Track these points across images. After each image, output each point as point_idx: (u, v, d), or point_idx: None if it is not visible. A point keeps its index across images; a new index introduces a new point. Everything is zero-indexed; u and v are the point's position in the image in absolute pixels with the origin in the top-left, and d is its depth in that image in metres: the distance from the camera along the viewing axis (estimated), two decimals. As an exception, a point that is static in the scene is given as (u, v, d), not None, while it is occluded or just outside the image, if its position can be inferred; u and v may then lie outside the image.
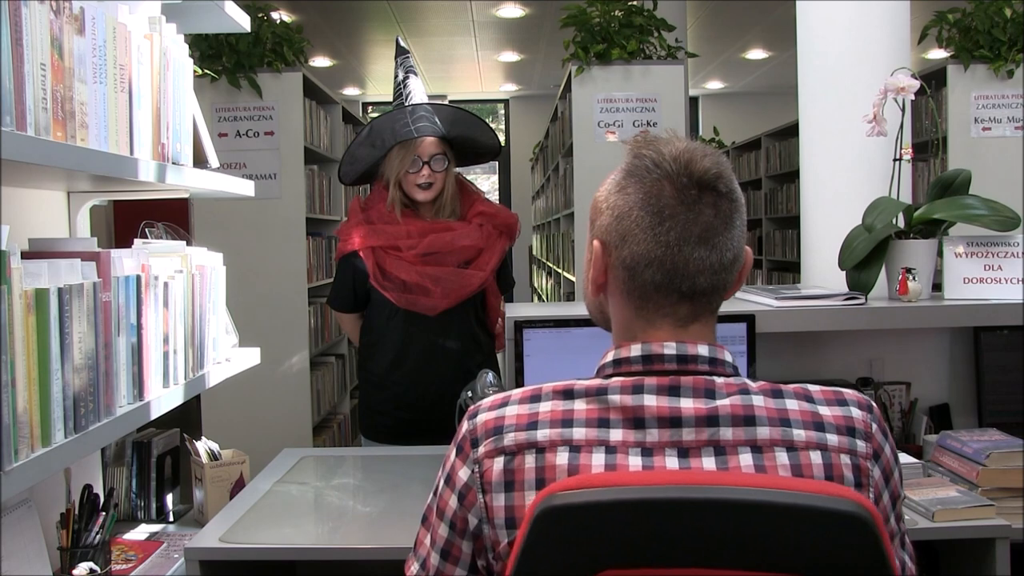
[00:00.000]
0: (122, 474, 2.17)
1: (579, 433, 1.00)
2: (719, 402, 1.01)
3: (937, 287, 2.38)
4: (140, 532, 2.10)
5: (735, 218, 1.06)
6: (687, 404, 1.00)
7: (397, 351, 2.54)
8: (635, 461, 0.98)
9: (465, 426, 1.08)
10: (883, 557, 0.90)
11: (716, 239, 1.04)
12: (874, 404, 1.08)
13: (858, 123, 2.45)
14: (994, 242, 2.27)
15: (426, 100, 2.57)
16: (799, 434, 1.00)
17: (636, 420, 1.00)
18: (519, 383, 1.98)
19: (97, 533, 1.73)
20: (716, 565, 0.90)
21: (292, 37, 4.23)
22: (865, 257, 2.28)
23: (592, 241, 1.10)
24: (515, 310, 2.23)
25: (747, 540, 0.90)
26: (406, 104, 2.54)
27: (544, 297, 8.70)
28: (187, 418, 2.34)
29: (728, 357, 1.07)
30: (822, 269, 2.79)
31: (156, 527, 2.14)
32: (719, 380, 1.03)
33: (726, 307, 2.27)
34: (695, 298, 1.05)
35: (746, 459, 0.98)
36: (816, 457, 0.99)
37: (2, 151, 1.07)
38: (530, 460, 1.01)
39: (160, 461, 2.19)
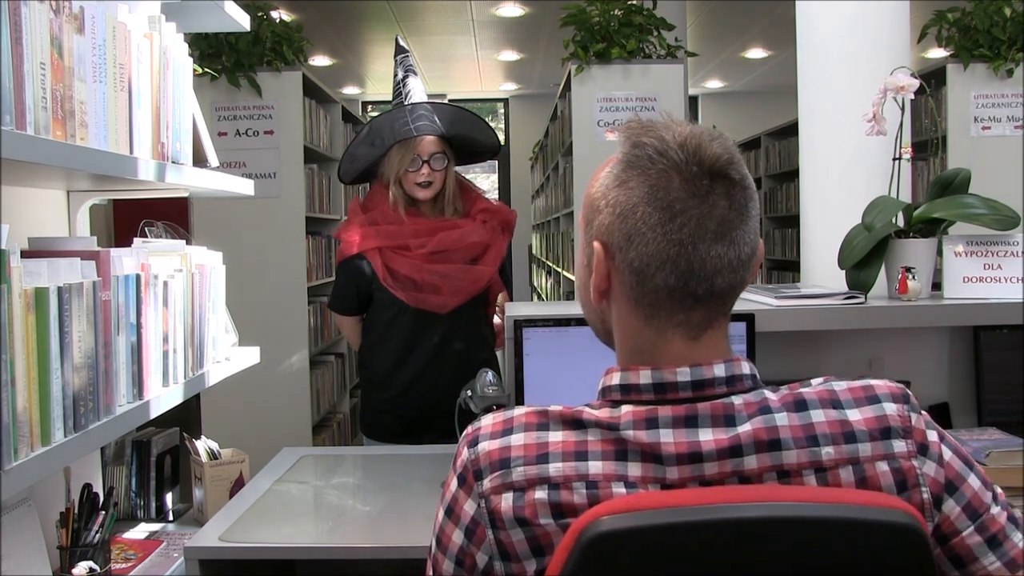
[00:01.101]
0: (122, 473, 2.17)
1: (595, 467, 0.92)
2: (740, 429, 0.92)
3: (937, 286, 2.38)
4: (140, 531, 2.10)
5: (750, 207, 0.96)
6: (706, 436, 0.92)
7: (403, 350, 2.55)
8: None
9: (465, 454, 0.98)
10: (931, 569, 0.88)
11: (733, 233, 0.93)
12: (909, 392, 0.99)
13: (858, 122, 2.45)
14: (994, 241, 2.27)
15: (425, 99, 2.57)
16: (827, 452, 0.92)
17: (654, 456, 0.92)
18: (519, 383, 1.98)
19: (97, 532, 1.73)
20: None
21: (292, 36, 4.23)
22: (865, 256, 2.28)
23: (590, 243, 1.00)
24: (515, 309, 2.23)
25: (804, 558, 0.88)
26: (405, 103, 2.54)
27: (544, 296, 8.70)
28: (187, 417, 2.34)
29: (746, 369, 0.97)
30: (822, 268, 2.79)
31: (156, 526, 2.14)
32: (738, 401, 0.94)
33: (726, 306, 2.27)
34: (711, 302, 0.95)
35: (796, 485, 0.92)
36: (847, 474, 0.92)
37: (2, 150, 1.07)
38: (542, 494, 0.92)
39: (160, 460, 2.19)
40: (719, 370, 0.95)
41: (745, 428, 0.92)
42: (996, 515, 0.96)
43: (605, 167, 1.01)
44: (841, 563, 0.88)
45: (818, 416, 0.93)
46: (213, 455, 2.16)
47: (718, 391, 0.95)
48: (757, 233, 0.98)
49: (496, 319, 2.67)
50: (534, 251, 10.28)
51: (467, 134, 2.59)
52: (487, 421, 1.00)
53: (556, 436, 0.95)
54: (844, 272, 2.36)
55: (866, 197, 2.42)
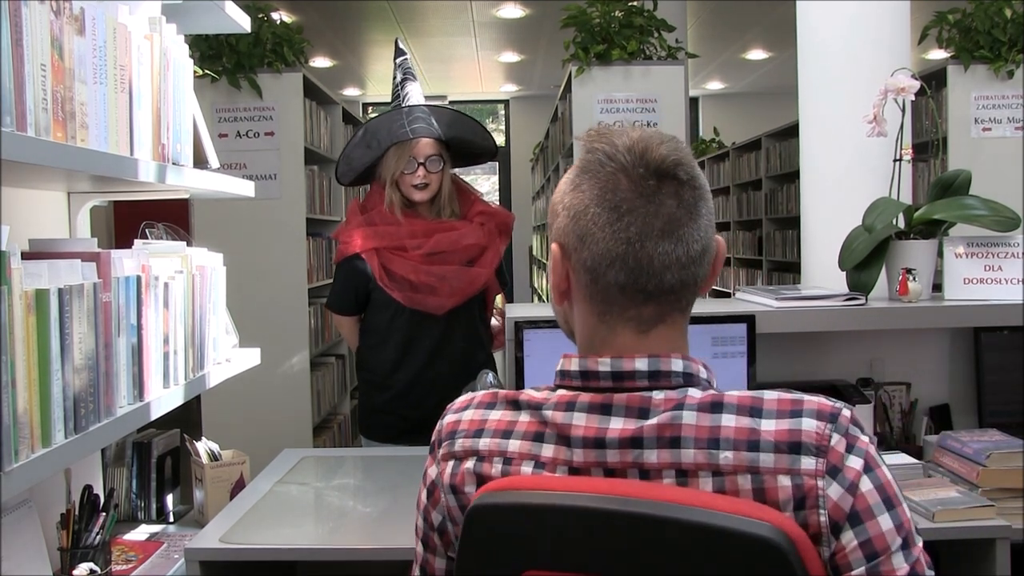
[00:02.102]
0: (122, 474, 2.17)
1: (514, 446, 1.01)
2: (646, 422, 0.94)
3: (937, 287, 2.38)
4: (140, 532, 2.10)
5: (700, 206, 0.98)
6: (615, 424, 0.95)
7: (401, 351, 2.55)
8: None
9: (438, 425, 1.10)
10: None
11: (681, 231, 0.96)
12: (848, 412, 0.94)
13: (858, 123, 2.45)
14: (994, 242, 2.27)
15: (423, 102, 2.58)
16: (726, 456, 0.91)
17: (565, 438, 0.98)
18: (519, 383, 1.99)
19: (97, 534, 1.73)
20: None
21: (292, 37, 4.23)
22: (865, 257, 2.28)
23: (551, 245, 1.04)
24: (515, 310, 2.23)
25: (660, 556, 0.89)
26: (403, 105, 2.55)
27: (544, 297, 8.70)
28: (187, 418, 2.34)
29: (677, 367, 0.98)
30: (822, 269, 2.80)
31: (156, 527, 2.14)
32: (657, 396, 0.96)
33: (726, 307, 2.28)
34: (662, 297, 0.98)
35: (671, 484, 0.93)
36: (745, 482, 0.90)
37: (2, 151, 1.07)
38: (470, 464, 1.03)
39: (160, 461, 2.19)
40: (640, 364, 0.98)
41: (651, 422, 0.94)
42: (896, 566, 0.90)
43: (567, 174, 1.05)
44: (695, 569, 0.87)
45: (728, 420, 0.93)
46: (214, 456, 2.16)
47: (638, 384, 0.97)
48: (711, 231, 1.00)
49: (494, 320, 2.68)
50: (535, 252, 10.28)
51: (464, 137, 2.59)
52: (461, 398, 1.10)
53: (496, 415, 1.04)
54: (845, 273, 2.36)
55: (867, 198, 2.42)
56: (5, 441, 1.10)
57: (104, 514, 1.75)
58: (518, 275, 11.82)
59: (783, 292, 2.32)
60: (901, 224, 2.36)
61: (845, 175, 2.78)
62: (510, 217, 2.67)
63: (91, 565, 1.68)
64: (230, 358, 1.93)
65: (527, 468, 0.99)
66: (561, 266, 1.03)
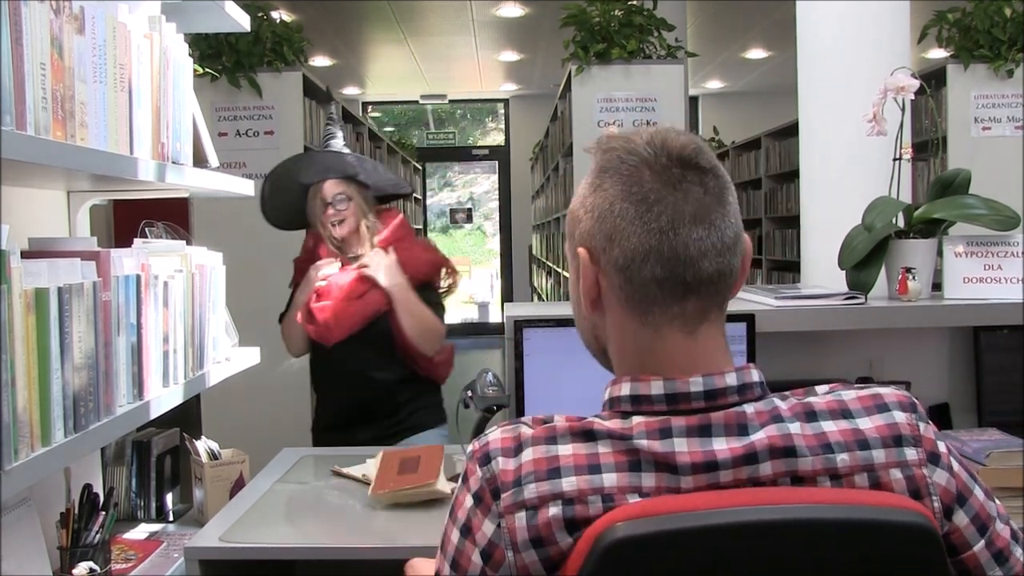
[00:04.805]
0: (122, 473, 2.17)
1: (609, 480, 0.90)
2: (754, 437, 0.92)
3: (937, 287, 2.38)
4: (140, 531, 2.10)
5: (726, 194, 0.96)
6: (720, 445, 0.91)
7: (321, 374, 2.79)
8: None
9: (479, 471, 0.95)
10: (945, 569, 0.89)
11: (712, 216, 0.94)
12: (916, 401, 0.98)
13: (858, 123, 2.45)
14: (994, 242, 2.27)
15: (333, 149, 2.68)
16: (843, 459, 0.92)
17: (669, 466, 0.91)
18: (519, 383, 1.98)
19: (97, 532, 1.73)
20: None
21: (292, 37, 4.24)
22: (865, 257, 2.28)
23: (576, 252, 1.00)
24: (515, 310, 2.23)
25: (817, 559, 0.88)
26: (315, 149, 2.66)
27: (544, 297, 8.70)
28: (187, 417, 2.34)
29: (756, 377, 0.97)
30: (822, 269, 2.80)
31: (156, 526, 2.14)
32: (750, 411, 0.93)
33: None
34: (702, 289, 0.95)
35: (823, 488, 0.92)
36: (862, 480, 0.92)
37: (2, 151, 1.07)
38: (555, 510, 0.90)
39: (160, 460, 2.19)
40: (731, 379, 0.95)
41: (759, 436, 0.92)
42: (1000, 530, 0.97)
43: (584, 180, 1.02)
44: (857, 565, 0.87)
45: (829, 426, 0.93)
46: (213, 455, 2.16)
47: (730, 400, 0.94)
48: (739, 221, 0.97)
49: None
50: (534, 251, 10.28)
51: (367, 181, 2.66)
52: (495, 436, 0.97)
53: (566, 449, 0.93)
54: (844, 272, 2.36)
55: (866, 197, 2.42)
56: (5, 440, 1.10)
57: (104, 513, 1.75)
58: (518, 275, 11.82)
59: (783, 291, 2.32)
60: (901, 223, 2.36)
61: (845, 174, 2.78)
62: (420, 260, 2.65)
63: (91, 564, 1.68)
64: (230, 357, 1.93)
65: (633, 501, 0.90)
66: (591, 271, 0.98)
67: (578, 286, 1.01)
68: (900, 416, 0.95)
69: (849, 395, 0.97)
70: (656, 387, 0.95)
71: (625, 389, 0.97)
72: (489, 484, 0.93)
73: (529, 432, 0.95)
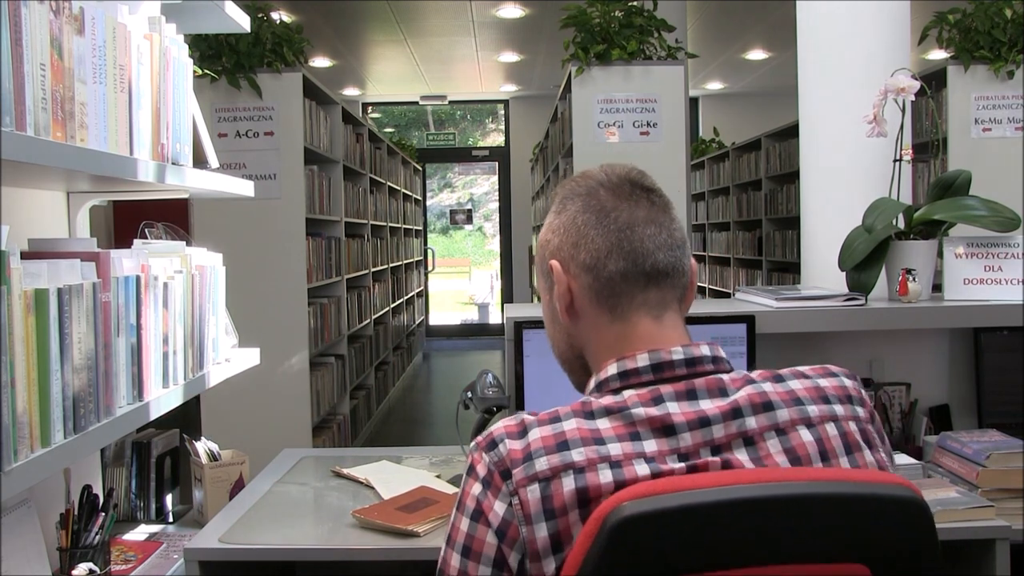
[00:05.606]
0: (122, 474, 2.17)
1: (615, 449, 0.97)
2: (735, 396, 1.02)
3: (937, 288, 2.38)
4: (140, 532, 2.10)
5: (670, 209, 1.12)
6: (708, 405, 1.02)
7: None
8: (678, 466, 0.97)
9: (486, 458, 0.99)
10: (935, 540, 0.95)
11: (661, 219, 1.10)
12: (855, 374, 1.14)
13: (858, 124, 2.45)
14: (994, 243, 2.27)
15: None
16: (812, 409, 1.03)
17: (666, 429, 0.99)
18: (519, 383, 1.98)
19: (97, 533, 1.73)
20: (784, 560, 0.92)
21: (292, 37, 4.24)
22: (865, 258, 2.28)
23: (547, 268, 1.13)
24: (515, 311, 2.23)
25: (815, 533, 0.93)
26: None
27: (544, 297, 8.67)
28: (187, 418, 2.34)
29: (723, 353, 1.10)
30: (822, 270, 2.79)
31: (156, 527, 2.14)
32: (726, 378, 1.05)
33: (726, 308, 2.28)
34: (660, 280, 1.09)
35: (774, 444, 1.01)
36: (831, 428, 1.03)
37: (2, 151, 1.07)
38: (568, 482, 0.95)
39: (160, 461, 2.19)
40: (705, 350, 1.07)
41: (740, 395, 1.03)
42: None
43: (549, 213, 1.17)
44: (855, 535, 0.93)
45: (795, 384, 1.06)
46: (213, 456, 2.16)
47: (708, 368, 1.06)
48: (684, 232, 1.13)
49: None
50: (534, 252, 10.26)
51: None
52: (499, 425, 1.03)
53: (570, 424, 1.00)
54: (844, 274, 2.36)
55: (866, 199, 2.42)
56: (5, 441, 1.10)
57: (103, 514, 1.75)
58: (518, 275, 11.82)
59: (783, 292, 2.32)
60: (901, 224, 2.36)
61: (845, 175, 2.78)
62: None
63: (90, 565, 1.68)
64: (230, 358, 1.93)
65: (640, 466, 0.96)
66: (563, 279, 1.11)
67: (551, 304, 1.14)
68: (847, 381, 1.10)
69: (803, 367, 1.11)
70: (642, 359, 1.06)
71: (612, 369, 1.07)
72: (498, 466, 0.98)
73: (532, 417, 1.02)
